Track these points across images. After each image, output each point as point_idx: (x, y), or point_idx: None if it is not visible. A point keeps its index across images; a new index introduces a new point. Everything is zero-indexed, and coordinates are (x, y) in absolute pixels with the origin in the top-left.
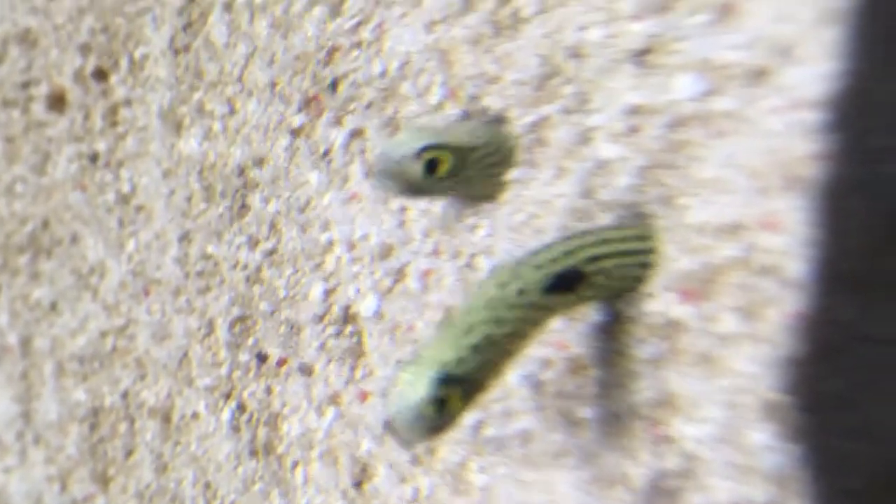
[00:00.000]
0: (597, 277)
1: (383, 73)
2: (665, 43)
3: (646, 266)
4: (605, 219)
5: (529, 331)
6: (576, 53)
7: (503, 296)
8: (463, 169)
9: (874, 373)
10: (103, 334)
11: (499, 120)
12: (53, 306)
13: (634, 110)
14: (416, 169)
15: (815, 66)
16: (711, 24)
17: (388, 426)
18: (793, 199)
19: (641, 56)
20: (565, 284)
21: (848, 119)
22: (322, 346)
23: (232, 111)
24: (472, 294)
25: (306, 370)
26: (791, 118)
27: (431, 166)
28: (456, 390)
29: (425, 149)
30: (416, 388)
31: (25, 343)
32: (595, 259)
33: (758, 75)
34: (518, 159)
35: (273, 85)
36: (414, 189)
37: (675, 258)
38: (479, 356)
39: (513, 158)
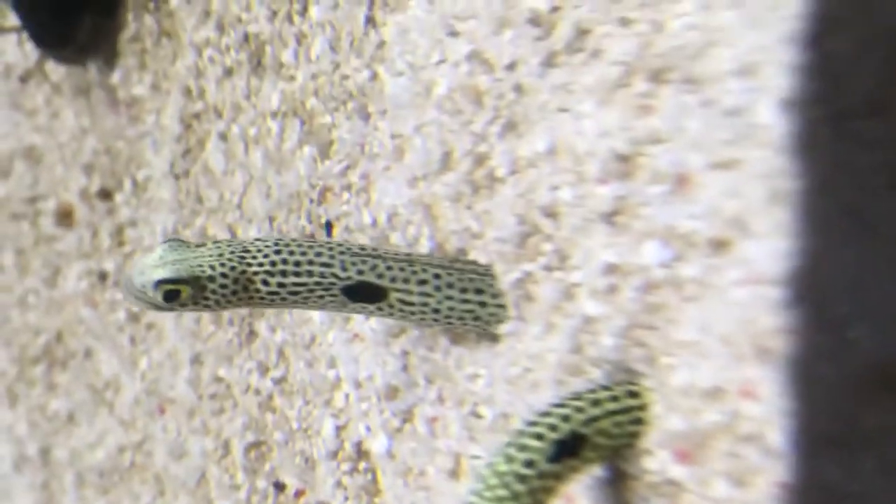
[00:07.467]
0: (597, 438)
1: (374, 223)
2: (631, 207)
3: (640, 421)
4: (595, 374)
5: (546, 499)
6: (551, 212)
7: (514, 470)
8: (203, 297)
9: None
10: (121, 449)
11: (244, 250)
12: (71, 418)
13: (611, 269)
14: (157, 297)
15: (770, 242)
16: (670, 194)
17: None
18: (765, 370)
19: (612, 217)
20: (569, 449)
21: (808, 293)
22: (338, 483)
23: (233, 237)
24: (484, 473)
25: None
26: (754, 291)
27: (171, 295)
28: None
29: (161, 282)
30: None
31: (45, 453)
32: (592, 420)
33: (719, 246)
34: (257, 285)
35: (271, 219)
36: (162, 309)
37: (665, 417)
38: None
39: (253, 286)
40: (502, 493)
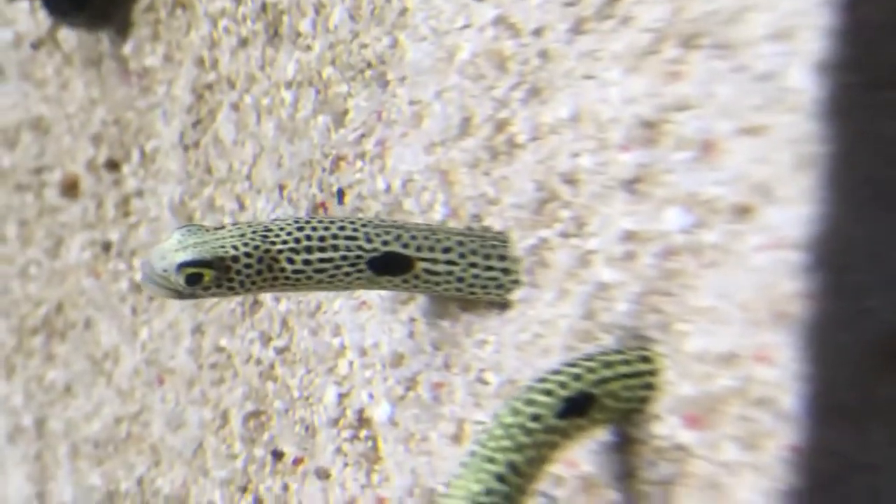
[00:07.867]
0: (606, 400)
1: (388, 189)
2: (654, 174)
3: (650, 387)
4: (607, 340)
5: (550, 454)
6: (570, 179)
7: (519, 422)
8: (227, 280)
9: (874, 499)
10: (118, 420)
11: (266, 230)
12: (68, 389)
13: (629, 236)
14: (179, 281)
15: (795, 208)
16: (695, 161)
17: None
18: (782, 335)
19: (633, 184)
20: (577, 408)
21: (829, 258)
22: (338, 450)
23: (241, 208)
24: (489, 424)
25: (323, 474)
26: (775, 257)
27: (193, 279)
28: None
29: (184, 265)
30: None
31: (40, 424)
32: (602, 381)
33: (742, 212)
34: (282, 264)
35: (281, 188)
36: (183, 296)
37: (676, 383)
38: (506, 484)
39: (278, 265)
40: (506, 443)
